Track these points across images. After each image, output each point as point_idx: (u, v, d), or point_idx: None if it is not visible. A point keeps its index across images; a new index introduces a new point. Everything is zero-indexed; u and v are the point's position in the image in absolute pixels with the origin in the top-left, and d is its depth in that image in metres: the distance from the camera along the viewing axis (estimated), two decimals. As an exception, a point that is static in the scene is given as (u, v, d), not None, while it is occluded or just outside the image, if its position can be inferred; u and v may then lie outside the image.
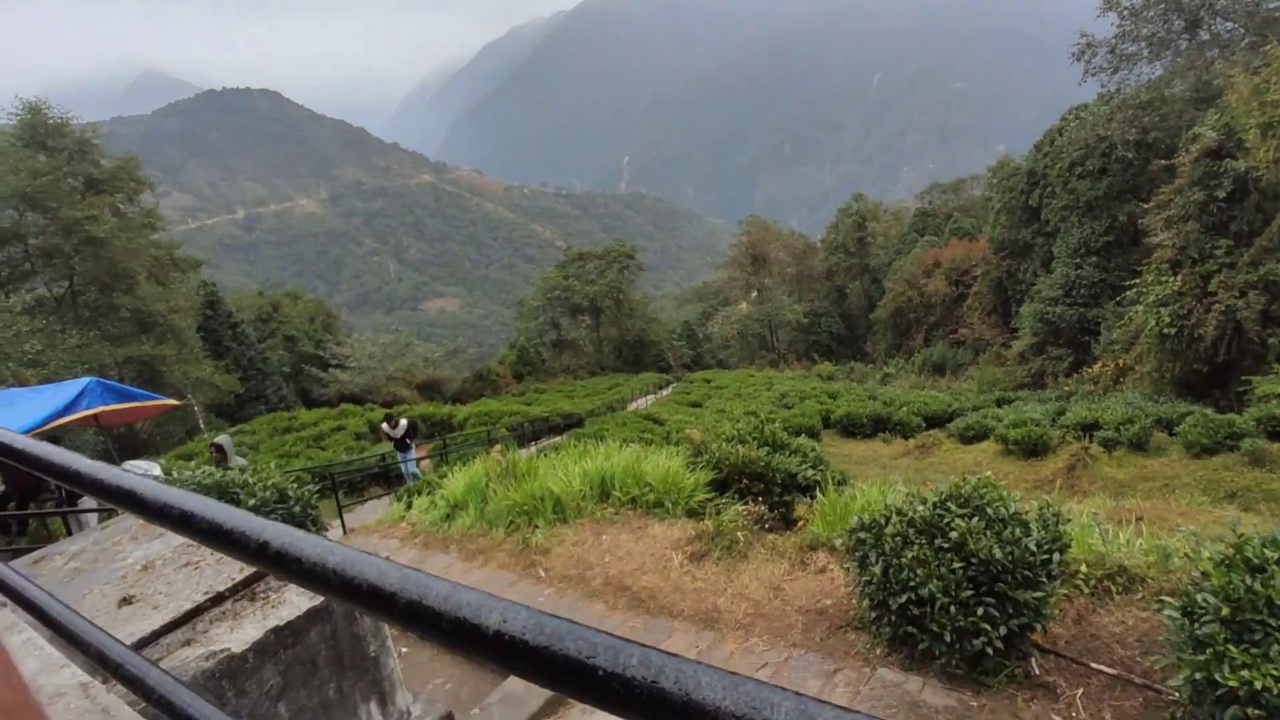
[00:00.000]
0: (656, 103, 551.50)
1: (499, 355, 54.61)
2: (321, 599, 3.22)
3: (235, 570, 3.27)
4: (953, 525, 4.03)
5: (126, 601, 3.17)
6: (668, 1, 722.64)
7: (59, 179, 29.26)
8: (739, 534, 6.03)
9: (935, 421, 24.90)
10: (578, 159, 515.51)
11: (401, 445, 12.64)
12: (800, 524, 6.24)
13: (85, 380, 8.45)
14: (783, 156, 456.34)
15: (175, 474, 5.39)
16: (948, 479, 4.67)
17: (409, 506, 9.11)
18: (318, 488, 7.63)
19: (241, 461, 9.77)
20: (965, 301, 48.54)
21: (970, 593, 3.83)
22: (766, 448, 7.33)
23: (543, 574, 6.51)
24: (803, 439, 14.46)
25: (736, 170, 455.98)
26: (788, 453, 7.50)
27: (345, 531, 9.45)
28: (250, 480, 5.35)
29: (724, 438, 7.62)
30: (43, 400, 8.24)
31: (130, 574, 3.42)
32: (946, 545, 3.99)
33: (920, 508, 4.27)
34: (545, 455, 9.92)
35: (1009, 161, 52.60)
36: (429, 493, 9.36)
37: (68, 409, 8.05)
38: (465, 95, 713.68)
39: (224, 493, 5.22)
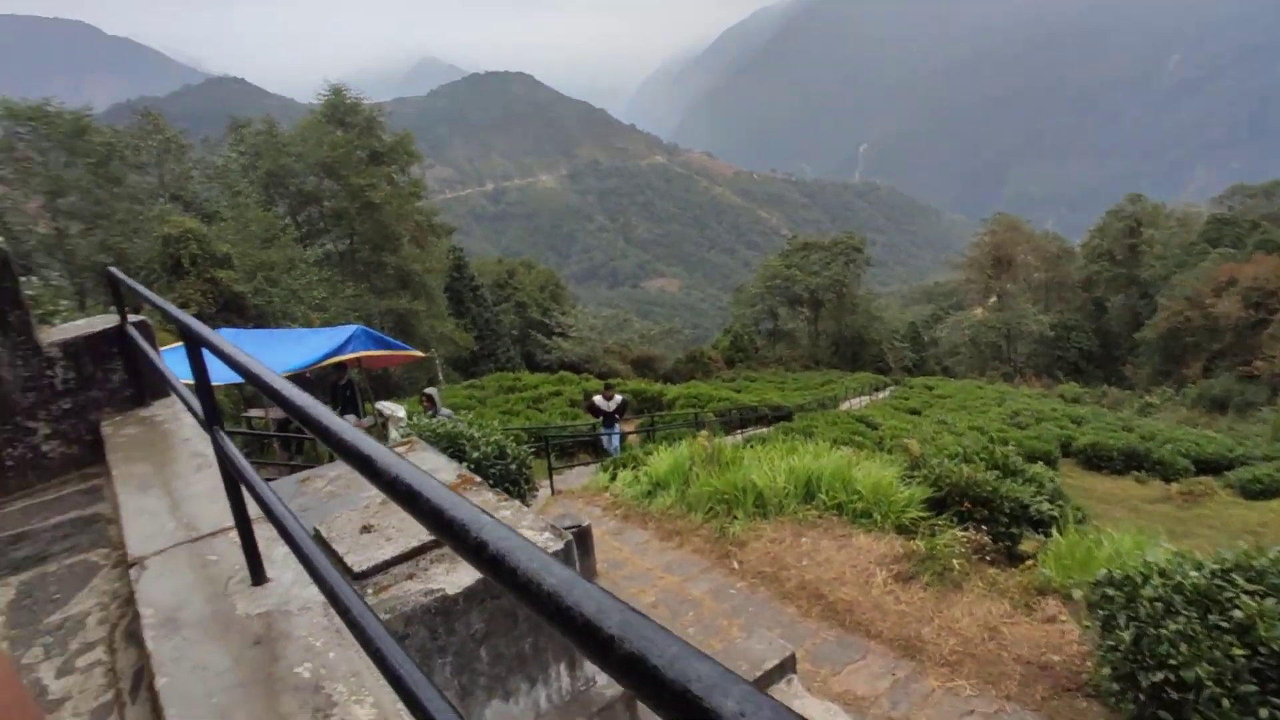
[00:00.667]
0: (901, 88, 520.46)
1: (713, 339, 55.12)
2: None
3: (457, 520, 3.52)
4: (1237, 602, 3.32)
5: (366, 530, 3.55)
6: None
7: (350, 151, 34.09)
8: (954, 561, 5.51)
9: (1208, 466, 21.21)
10: (811, 145, 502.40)
11: (610, 420, 13.06)
12: (1028, 562, 5.55)
13: (353, 327, 9.80)
14: (1041, 148, 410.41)
15: (415, 419, 5.98)
16: (1221, 539, 3.85)
17: (614, 478, 9.45)
18: (533, 448, 8.17)
19: (447, 412, 10.66)
20: (1266, 329, 40.70)
21: (1254, 688, 3.14)
22: (995, 471, 6.63)
23: (737, 566, 6.43)
24: (1038, 466, 13.04)
25: (984, 162, 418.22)
26: (1020, 480, 6.72)
27: (554, 491, 10.02)
28: (475, 434, 5.79)
29: (946, 453, 7.00)
30: (322, 340, 9.70)
31: (372, 505, 3.82)
32: (1226, 625, 3.30)
33: (1193, 573, 3.58)
34: (750, 446, 9.79)
35: (1348, 162, 43.05)
36: (634, 467, 9.64)
37: (339, 350, 9.40)
38: (702, 79, 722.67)
39: (453, 442, 5.71)
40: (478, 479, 4.22)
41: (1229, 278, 44.88)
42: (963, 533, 5.79)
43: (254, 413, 11.83)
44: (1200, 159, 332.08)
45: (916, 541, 5.81)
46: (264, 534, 2.21)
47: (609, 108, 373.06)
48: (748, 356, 48.86)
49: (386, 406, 10.73)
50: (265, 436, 11.12)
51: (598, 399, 13.48)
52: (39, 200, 24.99)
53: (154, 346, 4.22)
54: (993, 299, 60.71)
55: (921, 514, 6.38)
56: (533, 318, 46.29)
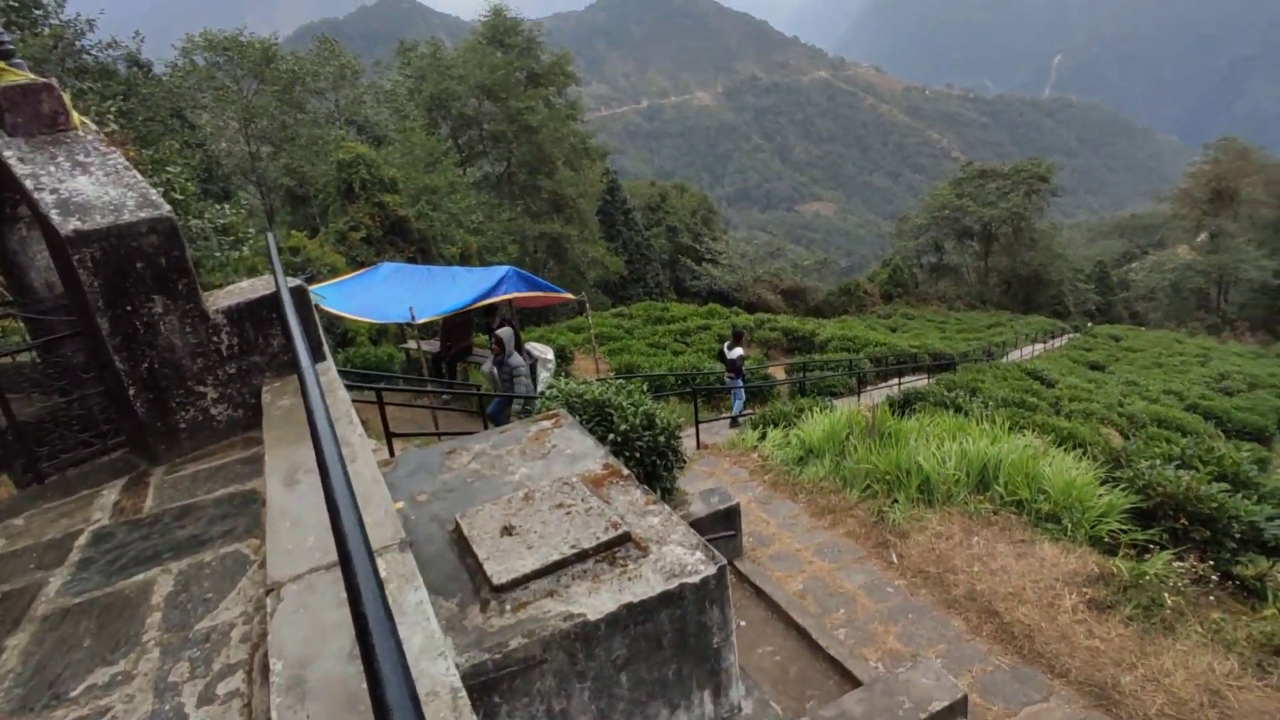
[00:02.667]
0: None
1: (869, 270, 52.21)
2: (677, 582, 3.09)
3: (601, 528, 3.27)
4: None
5: (508, 531, 3.37)
6: None
7: (510, 73, 34.33)
8: (1166, 595, 4.69)
9: None
10: (996, 57, 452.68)
11: (731, 367, 12.45)
12: (1267, 611, 4.62)
13: (505, 269, 9.82)
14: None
15: (562, 385, 5.79)
16: None
17: (763, 436, 9.02)
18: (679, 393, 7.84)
19: (542, 352, 10.45)
20: None
21: None
22: (1223, 482, 5.56)
23: (896, 559, 5.90)
24: (1253, 446, 11.28)
25: (1212, 74, 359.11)
26: (1255, 496, 5.62)
27: (699, 445, 9.76)
28: (624, 403, 5.52)
29: (1160, 455, 5.96)
30: (475, 280, 9.82)
31: (514, 499, 3.64)
32: None
33: None
34: (913, 411, 9.00)
35: None
36: (784, 426, 9.16)
37: (491, 291, 9.48)
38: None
39: (601, 411, 5.48)
40: (625, 471, 3.95)
41: None
42: (1179, 562, 4.89)
43: (410, 345, 12.35)
44: None
45: (1117, 562, 5.00)
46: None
47: (770, 18, 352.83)
48: (907, 291, 45.95)
49: (536, 348, 10.80)
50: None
51: (725, 345, 12.87)
52: (234, 125, 27.18)
53: (309, 311, 4.20)
54: (1202, 236, 53.06)
55: (1123, 526, 5.49)
56: (683, 242, 45.72)
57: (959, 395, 11.68)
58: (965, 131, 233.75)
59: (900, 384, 17.49)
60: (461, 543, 3.38)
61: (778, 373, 18.19)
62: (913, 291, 46.41)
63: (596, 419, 5.41)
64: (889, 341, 24.68)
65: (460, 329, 11.62)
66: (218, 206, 14.26)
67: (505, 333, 9.19)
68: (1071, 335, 37.50)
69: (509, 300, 9.95)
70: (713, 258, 42.19)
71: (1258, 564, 5.34)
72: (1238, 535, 5.17)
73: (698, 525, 5.23)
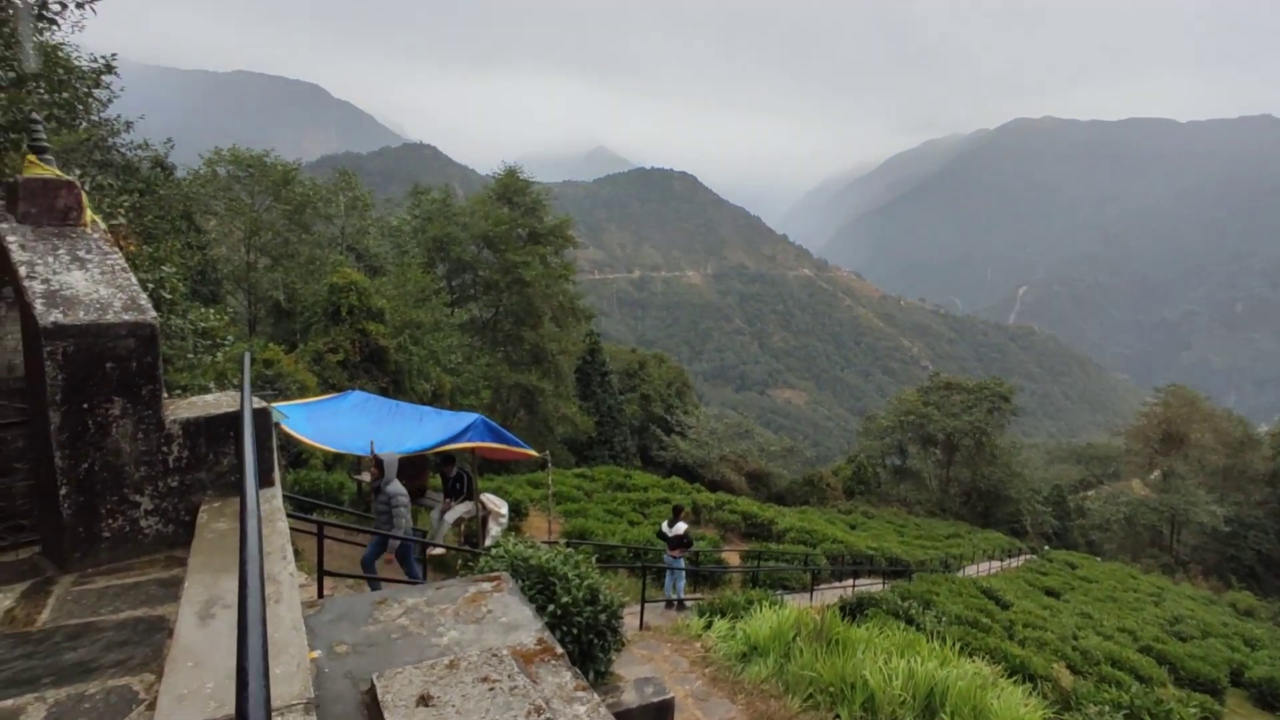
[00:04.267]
0: (1074, 234, 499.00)
1: (834, 464, 52.75)
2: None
3: (523, 711, 3.06)
4: None
5: (424, 701, 3.13)
6: (1115, 129, 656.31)
7: (512, 228, 36.20)
8: None
9: None
10: (966, 280, 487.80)
11: (673, 544, 12.18)
12: None
13: (473, 417, 9.81)
14: (1230, 317, 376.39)
15: (509, 545, 5.63)
16: None
17: (708, 625, 8.68)
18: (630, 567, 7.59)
19: (495, 504, 10.12)
20: None
21: None
22: (1173, 740, 5.39)
23: (832, 783, 5.50)
24: (1204, 699, 11.07)
25: (1162, 324, 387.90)
26: (1206, 758, 5.42)
27: (641, 626, 9.35)
28: (570, 574, 5.35)
29: (1110, 701, 5.80)
30: (442, 424, 9.77)
31: (438, 665, 3.41)
32: None
33: None
34: (865, 620, 8.77)
35: None
36: (732, 616, 8.84)
37: (456, 437, 9.40)
38: (863, 199, 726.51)
39: (544, 578, 5.29)
40: (559, 649, 3.76)
41: None
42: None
43: (363, 476, 12.07)
44: None
45: (1063, 816, 4.71)
46: None
47: (764, 216, 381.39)
48: (869, 490, 46.21)
49: (490, 500, 10.59)
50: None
51: (665, 524, 12.60)
52: (239, 234, 28.04)
53: (270, 435, 4.13)
54: (1155, 474, 54.74)
55: (1071, 775, 5.23)
56: (655, 412, 46.23)
57: (912, 606, 11.47)
58: (934, 344, 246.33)
59: (855, 586, 17.15)
60: (373, 708, 3.13)
61: (732, 558, 17.81)
62: (875, 491, 46.68)
63: (539, 587, 5.22)
64: (847, 539, 24.46)
65: (414, 467, 11.42)
66: (203, 309, 14.36)
67: (389, 457, 8.45)
68: (1028, 557, 37.49)
69: (473, 449, 9.88)
70: (682, 430, 42.54)
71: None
72: (1187, 801, 4.93)
73: (627, 717, 4.90)
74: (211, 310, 15.26)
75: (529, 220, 37.38)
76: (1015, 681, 6.73)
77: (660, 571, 12.89)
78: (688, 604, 11.57)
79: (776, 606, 8.65)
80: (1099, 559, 43.49)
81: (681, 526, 12.38)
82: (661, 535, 12.65)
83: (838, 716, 6.09)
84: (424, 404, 14.23)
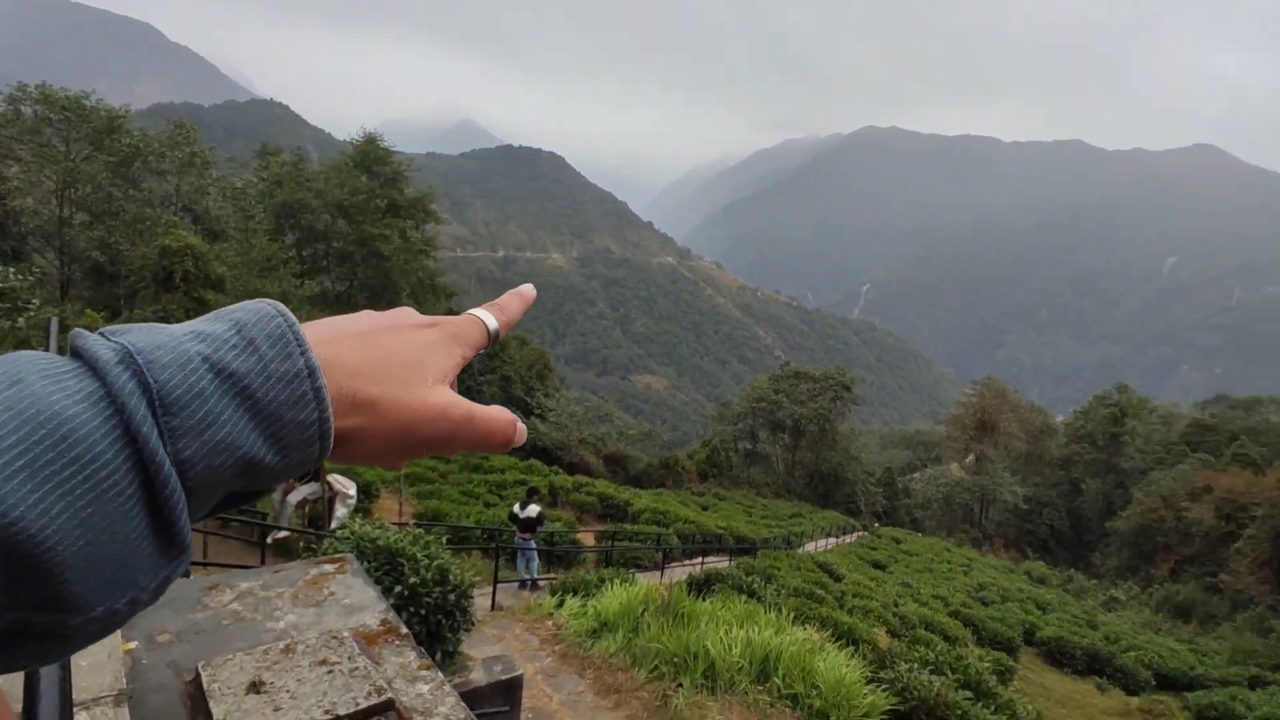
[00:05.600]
0: (911, 237, 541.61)
1: (690, 448, 54.53)
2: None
3: (363, 693, 3.02)
4: None
5: (256, 688, 3.02)
6: (952, 143, 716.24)
7: (370, 199, 34.38)
8: (913, 800, 4.92)
9: (1169, 682, 20.55)
10: (818, 276, 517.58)
11: (524, 526, 12.29)
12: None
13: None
14: (1037, 320, 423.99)
15: (355, 527, 5.46)
16: None
17: (561, 603, 8.80)
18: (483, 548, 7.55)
19: (343, 485, 9.88)
20: (1235, 543, 40.62)
21: None
22: (967, 691, 6.11)
23: (673, 749, 5.78)
24: (1000, 655, 12.45)
25: (982, 323, 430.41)
26: (992, 706, 6.19)
27: (493, 606, 9.33)
28: (418, 554, 5.27)
29: (918, 658, 6.49)
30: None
31: (273, 650, 3.29)
32: None
33: None
34: (711, 596, 9.22)
35: (1328, 394, 44.29)
36: (584, 595, 9.01)
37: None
38: (726, 192, 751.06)
39: (391, 560, 5.18)
40: (403, 629, 3.71)
41: (1205, 484, 45.15)
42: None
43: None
44: (1186, 359, 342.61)
45: (874, 764, 5.23)
46: None
47: (631, 202, 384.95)
48: (721, 473, 48.16)
49: (339, 480, 10.14)
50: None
51: (517, 506, 12.67)
52: (50, 185, 24.76)
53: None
54: (970, 458, 60.78)
55: (883, 727, 5.81)
56: (516, 394, 45.72)
57: (755, 581, 12.14)
58: (786, 334, 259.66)
59: (704, 563, 17.90)
60: (197, 697, 2.97)
61: (587, 539, 18.07)
62: (727, 473, 48.71)
63: (386, 568, 5.10)
64: (699, 520, 25.44)
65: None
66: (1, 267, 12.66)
67: (537, 510, 8.24)
68: (861, 534, 40.55)
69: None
70: (542, 413, 42.38)
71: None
72: (974, 743, 5.61)
73: (475, 695, 4.91)
74: (11, 269, 13.53)
75: (389, 191, 35.67)
76: (840, 645, 7.34)
77: (514, 553, 12.88)
78: (541, 584, 11.65)
79: (628, 584, 8.90)
80: (920, 534, 47.83)
81: (534, 509, 12.41)
82: (514, 517, 12.63)
83: (680, 685, 6.39)
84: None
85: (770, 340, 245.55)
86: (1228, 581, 39.32)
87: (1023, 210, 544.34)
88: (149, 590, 0.41)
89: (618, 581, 9.03)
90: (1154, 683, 19.95)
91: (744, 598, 9.47)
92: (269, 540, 9.10)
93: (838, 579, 19.23)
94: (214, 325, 0.45)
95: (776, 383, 54.74)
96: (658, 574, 14.98)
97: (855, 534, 39.70)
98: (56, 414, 0.36)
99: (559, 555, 14.33)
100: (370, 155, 35.81)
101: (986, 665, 6.82)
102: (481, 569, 11.20)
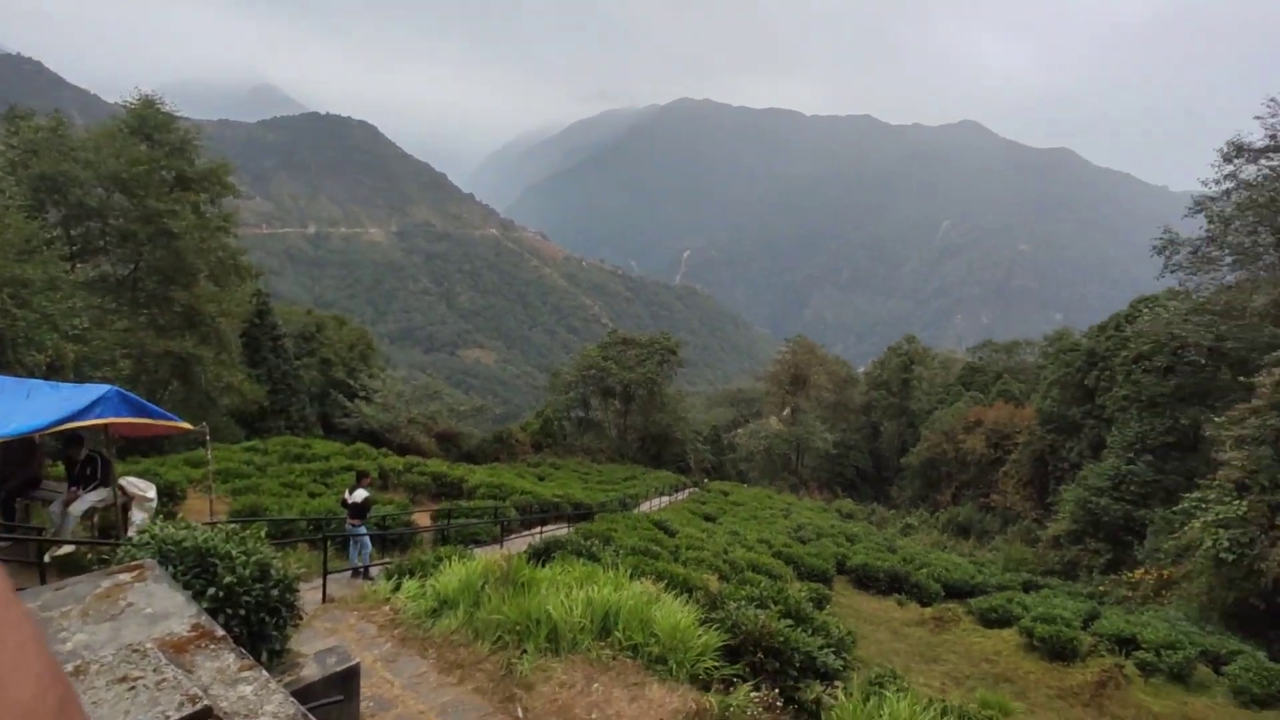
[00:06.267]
0: (726, 206, 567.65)
1: (523, 420, 54.27)
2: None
3: (174, 704, 2.79)
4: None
5: None
6: (760, 116, 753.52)
7: (154, 170, 30.38)
8: (745, 723, 5.36)
9: (955, 591, 23.63)
10: (640, 244, 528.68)
11: (354, 512, 11.90)
12: (815, 728, 5.53)
13: (105, 388, 8.24)
14: (839, 280, 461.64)
15: (156, 530, 4.97)
16: (964, 665, 4.01)
17: (397, 587, 8.54)
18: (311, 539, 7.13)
19: (140, 488, 9.16)
20: (1002, 467, 47.11)
21: None
22: (789, 620, 6.70)
23: (520, 714, 5.86)
24: (818, 586, 13.66)
25: (791, 285, 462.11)
26: (810, 629, 6.84)
27: (324, 598, 8.87)
28: (233, 551, 4.89)
29: (744, 596, 7.00)
30: (59, 399, 8.05)
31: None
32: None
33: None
34: (551, 563, 9.33)
35: (1068, 334, 52.12)
36: (421, 576, 8.80)
37: (80, 414, 7.82)
38: (547, 163, 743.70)
39: (202, 561, 4.78)
40: (218, 631, 3.46)
41: (976, 419, 51.78)
42: (754, 692, 5.68)
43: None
44: (959, 310, 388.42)
45: (709, 697, 5.62)
46: None
47: (450, 173, 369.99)
48: (555, 442, 48.45)
49: (134, 483, 9.14)
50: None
51: (346, 491, 12.25)
52: None
53: None
54: (787, 411, 65.49)
55: (716, 663, 6.24)
56: (336, 377, 43.05)
57: (594, 544, 12.44)
58: (613, 302, 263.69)
59: (542, 532, 18.05)
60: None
61: (423, 520, 17.57)
62: (561, 442, 49.09)
63: (197, 570, 4.70)
64: (535, 490, 25.52)
65: (23, 456, 9.34)
66: None
67: (365, 494, 7.31)
68: (692, 490, 42.60)
69: (105, 426, 8.27)
70: (367, 395, 40.31)
71: (813, 689, 6.42)
72: (799, 664, 6.18)
73: (308, 691, 4.69)
74: None
75: (175, 162, 31.62)
76: (676, 595, 7.75)
77: (345, 541, 12.28)
78: (374, 571, 11.22)
79: (466, 560, 8.80)
80: (746, 485, 51.08)
81: (361, 493, 11.90)
82: (344, 504, 12.06)
83: (525, 651, 6.47)
84: (36, 379, 11.55)
85: (597, 309, 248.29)
86: (998, 500, 45.63)
87: (823, 179, 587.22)
88: None
89: (455, 558, 8.90)
90: (943, 594, 22.83)
91: (583, 561, 9.68)
92: (47, 558, 8.04)
93: (672, 534, 20.13)
94: None
95: (605, 350, 55.69)
96: (497, 547, 14.91)
97: (687, 491, 41.63)
98: None
99: (393, 539, 13.84)
100: (149, 121, 31.47)
101: (804, 595, 7.49)
102: (309, 561, 10.58)
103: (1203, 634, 17.09)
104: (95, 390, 8.21)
